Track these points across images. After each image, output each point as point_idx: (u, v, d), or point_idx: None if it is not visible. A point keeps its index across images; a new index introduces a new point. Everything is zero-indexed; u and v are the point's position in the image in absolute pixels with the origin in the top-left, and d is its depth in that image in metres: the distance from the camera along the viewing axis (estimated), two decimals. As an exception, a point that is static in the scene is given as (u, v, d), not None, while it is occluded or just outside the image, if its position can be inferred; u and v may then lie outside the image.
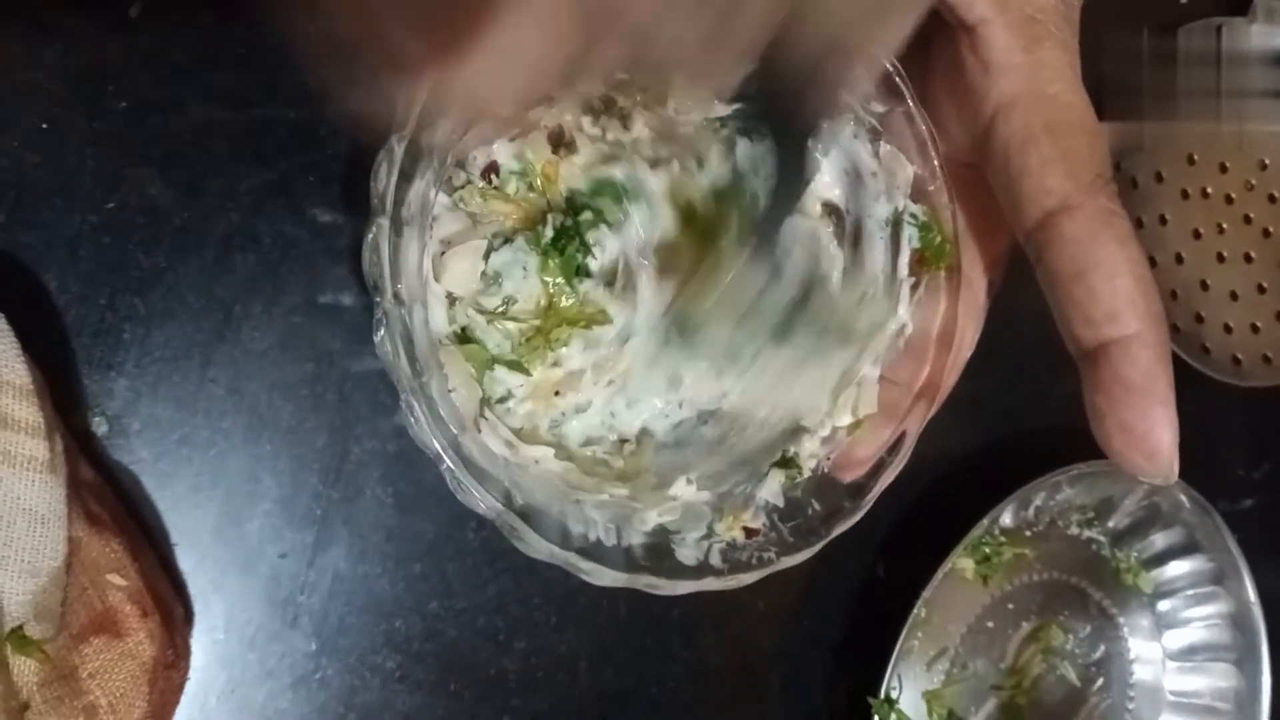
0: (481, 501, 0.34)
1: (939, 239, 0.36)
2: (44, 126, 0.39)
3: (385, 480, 0.43)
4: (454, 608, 0.44)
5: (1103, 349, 0.29)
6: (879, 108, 0.36)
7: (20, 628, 0.33)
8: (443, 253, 0.37)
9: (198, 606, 0.41)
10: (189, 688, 0.40)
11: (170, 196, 0.40)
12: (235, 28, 0.41)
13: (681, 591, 0.35)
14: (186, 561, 0.40)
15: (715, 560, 0.36)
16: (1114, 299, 0.29)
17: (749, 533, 0.37)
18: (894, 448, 0.38)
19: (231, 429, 0.41)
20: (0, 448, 0.33)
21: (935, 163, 0.35)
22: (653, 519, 0.37)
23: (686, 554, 0.36)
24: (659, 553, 0.36)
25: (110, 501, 0.37)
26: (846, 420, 0.38)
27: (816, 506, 0.38)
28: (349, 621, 0.42)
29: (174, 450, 0.40)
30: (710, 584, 0.36)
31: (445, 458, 0.33)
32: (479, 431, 0.36)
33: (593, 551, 0.35)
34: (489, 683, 0.44)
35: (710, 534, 0.37)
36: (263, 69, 0.41)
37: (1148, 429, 0.29)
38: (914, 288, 0.37)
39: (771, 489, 0.38)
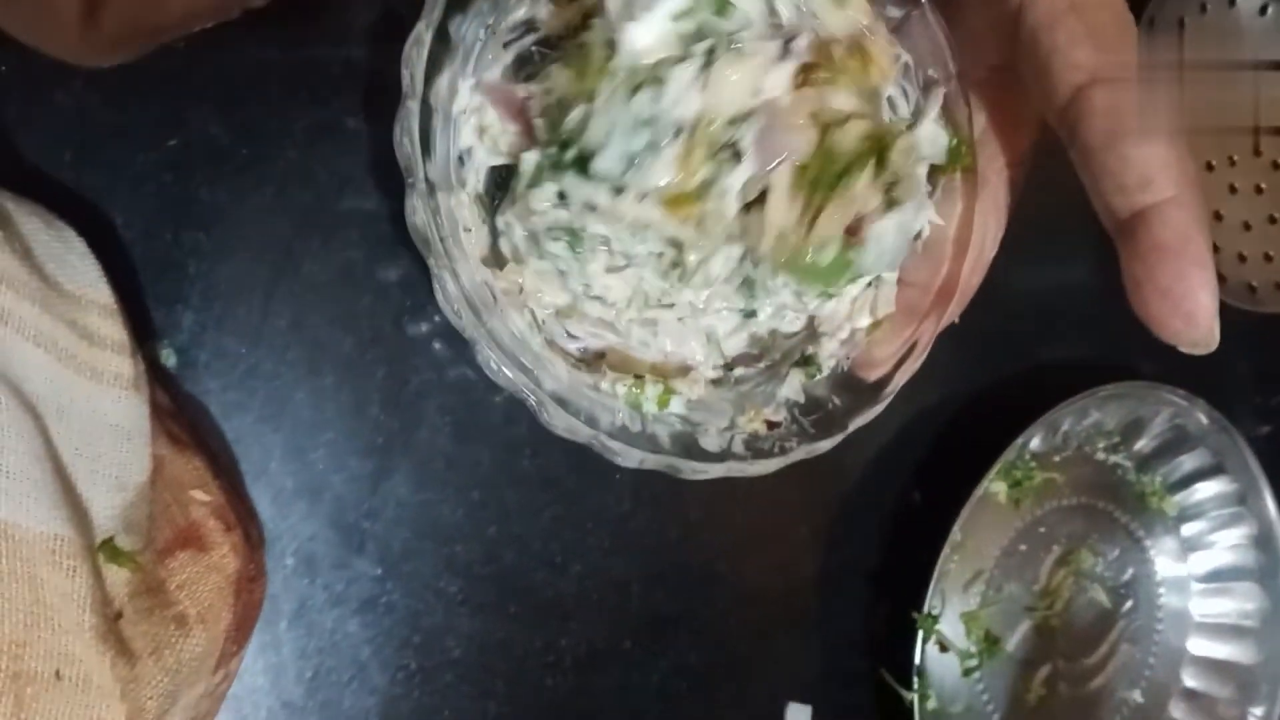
0: (515, 380, 0.34)
1: (955, 141, 0.37)
2: (105, 67, 0.40)
3: (443, 410, 0.44)
4: (511, 533, 0.45)
5: (1139, 216, 0.30)
6: (895, 13, 0.37)
7: (111, 539, 0.34)
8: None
9: (266, 533, 0.42)
10: (261, 613, 0.41)
11: (229, 135, 0.41)
12: (287, -30, 0.42)
13: (706, 475, 0.36)
14: (254, 489, 0.42)
15: (738, 448, 0.37)
16: (1147, 165, 0.29)
17: (770, 425, 0.38)
18: (914, 346, 0.38)
19: (295, 361, 0.42)
20: (88, 364, 0.34)
21: (950, 66, 0.37)
22: (678, 407, 0.38)
23: (710, 442, 0.37)
24: (683, 440, 0.37)
25: (187, 424, 0.38)
26: (865, 321, 0.39)
27: (837, 401, 0.38)
28: (412, 547, 0.44)
29: (240, 382, 0.41)
30: (734, 468, 0.37)
31: (476, 335, 0.34)
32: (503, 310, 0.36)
33: (619, 435, 0.36)
34: (546, 605, 0.45)
35: (733, 426, 0.38)
36: (314, 10, 0.42)
37: (1184, 290, 0.29)
38: (930, 191, 0.38)
39: (793, 386, 0.39)
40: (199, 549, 0.36)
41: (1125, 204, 0.30)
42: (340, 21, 0.42)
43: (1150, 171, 0.29)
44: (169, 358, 0.40)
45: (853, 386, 0.39)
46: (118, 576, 0.34)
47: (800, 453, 0.38)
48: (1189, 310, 0.29)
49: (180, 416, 0.38)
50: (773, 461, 0.37)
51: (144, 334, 0.40)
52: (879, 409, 0.38)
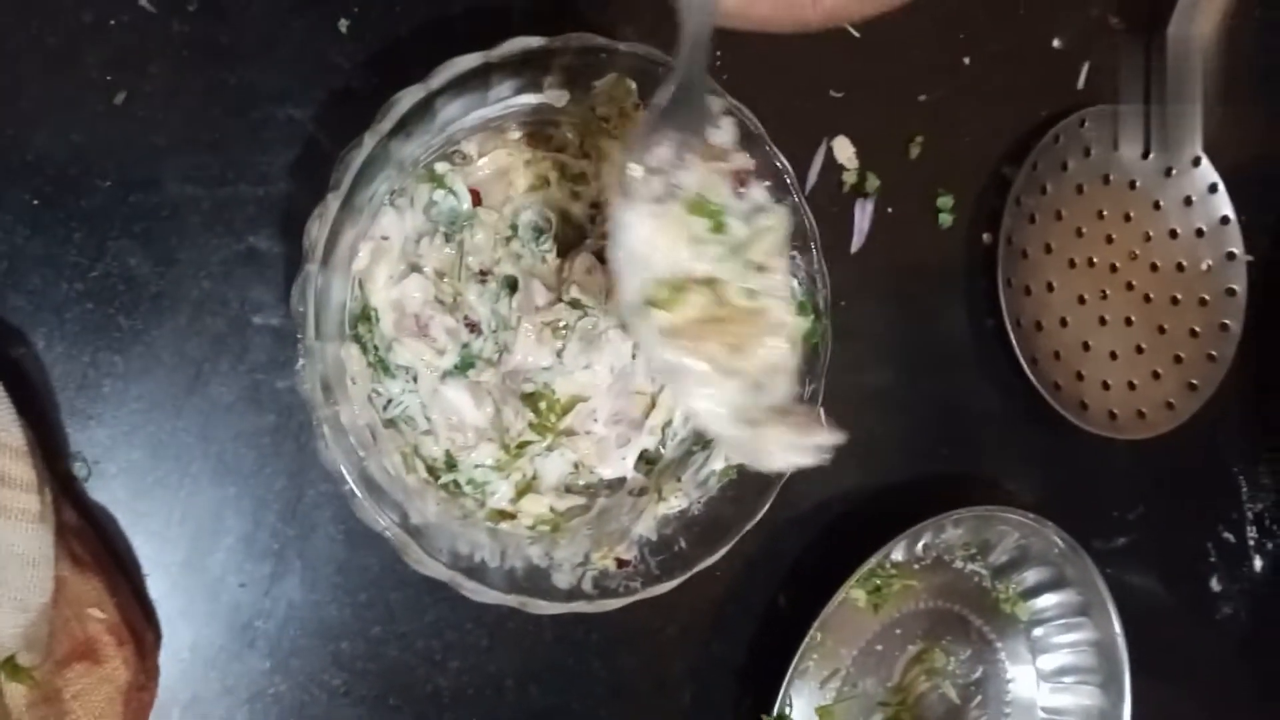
0: (379, 519, 0.39)
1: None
2: (35, 203, 0.44)
3: (336, 519, 0.48)
4: (395, 631, 0.49)
5: None
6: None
7: (13, 657, 0.38)
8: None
9: (166, 630, 0.46)
10: (157, 702, 0.45)
11: (148, 266, 0.45)
12: (210, 113, 0.46)
13: (553, 612, 0.41)
14: (157, 590, 0.46)
15: (587, 586, 0.42)
16: None
17: (620, 563, 0.43)
18: None
19: (199, 473, 0.46)
20: (-2, 502, 0.37)
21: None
22: (538, 551, 0.43)
23: (562, 579, 0.42)
24: (537, 576, 0.42)
25: (91, 542, 0.42)
26: (719, 465, 0.45)
27: (683, 544, 0.43)
28: (300, 644, 0.48)
29: (148, 491, 0.45)
30: (580, 606, 0.41)
31: (347, 478, 0.38)
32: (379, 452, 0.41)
33: (477, 571, 0.41)
34: (425, 699, 0.50)
35: (586, 562, 0.43)
36: (234, 150, 0.46)
37: None
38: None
39: (646, 524, 0.44)
40: (93, 662, 0.40)
41: None
42: (256, 162, 0.46)
43: None
44: (81, 470, 0.44)
45: (699, 530, 0.44)
46: (16, 690, 0.38)
47: (644, 593, 0.42)
48: None
49: (85, 534, 0.42)
50: (617, 600, 0.42)
51: (59, 448, 0.44)
52: (721, 553, 0.43)
